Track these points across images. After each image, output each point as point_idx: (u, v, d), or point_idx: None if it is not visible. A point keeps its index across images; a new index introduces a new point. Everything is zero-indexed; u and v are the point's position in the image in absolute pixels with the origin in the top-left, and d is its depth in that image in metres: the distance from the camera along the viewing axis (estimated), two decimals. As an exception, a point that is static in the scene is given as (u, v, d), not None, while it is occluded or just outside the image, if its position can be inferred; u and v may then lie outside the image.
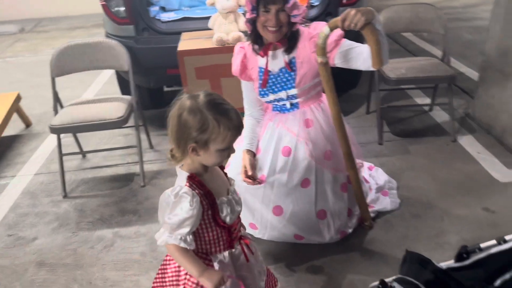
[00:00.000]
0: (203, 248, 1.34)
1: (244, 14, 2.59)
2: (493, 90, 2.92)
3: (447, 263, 1.45)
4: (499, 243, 1.32)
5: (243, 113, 2.39)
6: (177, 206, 1.20)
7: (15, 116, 3.49)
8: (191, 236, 1.24)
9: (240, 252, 1.41)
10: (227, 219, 1.31)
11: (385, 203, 2.30)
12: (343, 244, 2.09)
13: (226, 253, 1.36)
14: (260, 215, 2.07)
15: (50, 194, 2.69)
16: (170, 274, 1.39)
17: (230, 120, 1.19)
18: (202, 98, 1.21)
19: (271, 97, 2.01)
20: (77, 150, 3.01)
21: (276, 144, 2.00)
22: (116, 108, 2.60)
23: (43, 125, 3.58)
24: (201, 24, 2.91)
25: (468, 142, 2.89)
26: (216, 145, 1.20)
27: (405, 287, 1.34)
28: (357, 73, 3.47)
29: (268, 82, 1.98)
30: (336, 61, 1.87)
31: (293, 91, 1.96)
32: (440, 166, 2.64)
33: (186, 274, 1.34)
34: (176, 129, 1.20)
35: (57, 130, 2.54)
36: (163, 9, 3.18)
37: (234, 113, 1.22)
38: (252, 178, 1.95)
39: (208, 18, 2.88)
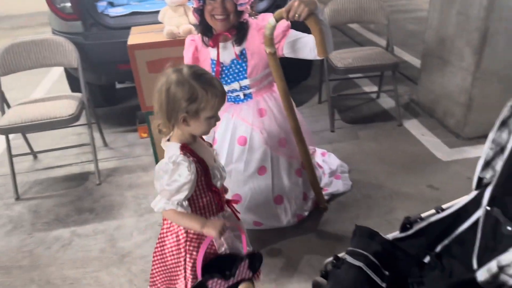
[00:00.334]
0: (198, 214, 1.40)
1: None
2: (434, 76, 3.11)
3: (393, 234, 1.57)
4: (437, 212, 1.45)
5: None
6: (176, 172, 1.26)
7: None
8: (186, 202, 1.32)
9: (231, 214, 1.52)
10: (218, 184, 1.41)
11: (338, 185, 2.41)
12: (300, 227, 2.17)
13: (220, 215, 1.45)
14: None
15: (2, 197, 2.60)
16: (169, 245, 1.44)
17: (215, 87, 1.28)
18: (186, 71, 1.28)
19: (225, 88, 2.05)
20: (28, 151, 2.92)
21: (232, 134, 2.05)
22: (67, 105, 2.55)
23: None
24: (150, 18, 2.91)
25: (413, 126, 3.07)
26: (205, 113, 1.28)
27: (356, 259, 1.43)
28: (308, 65, 3.59)
29: (220, 73, 2.02)
30: (285, 51, 1.94)
31: (245, 82, 2.02)
32: (388, 149, 2.80)
33: (186, 241, 1.40)
34: (165, 102, 1.25)
35: (5, 131, 2.46)
36: (111, 4, 3.13)
37: (217, 81, 1.32)
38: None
39: (157, 12, 2.86)
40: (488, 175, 1.31)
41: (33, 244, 2.21)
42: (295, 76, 3.57)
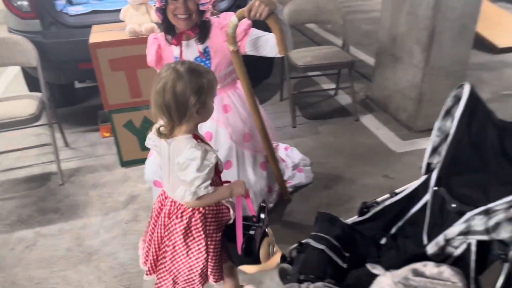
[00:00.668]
0: None
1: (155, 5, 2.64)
2: (387, 73, 3.28)
3: (352, 219, 1.68)
4: (391, 196, 1.57)
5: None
6: (204, 156, 1.30)
7: None
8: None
9: None
10: (221, 167, 1.48)
11: (301, 178, 2.51)
12: (265, 218, 2.25)
13: None
14: (186, 199, 2.16)
15: (-42, 200, 2.53)
16: (194, 232, 1.45)
17: (209, 72, 1.34)
18: (181, 67, 1.29)
19: (188, 85, 2.09)
20: (-16, 153, 2.84)
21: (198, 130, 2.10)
22: (27, 105, 2.51)
23: None
24: (111, 17, 2.90)
25: (368, 120, 3.23)
26: (211, 99, 1.34)
27: (319, 242, 1.53)
28: (270, 64, 3.69)
29: (184, 71, 2.07)
30: (247, 49, 2.01)
31: (209, 79, 2.07)
32: (346, 143, 2.94)
33: (205, 225, 1.44)
34: (174, 101, 1.26)
35: (-39, 132, 2.39)
36: (70, 2, 3.09)
37: (207, 68, 1.37)
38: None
39: (118, 10, 2.86)
40: (435, 160, 1.44)
41: (-5, 246, 2.17)
42: (258, 74, 3.65)
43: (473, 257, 1.05)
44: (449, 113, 1.35)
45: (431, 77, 2.89)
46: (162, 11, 1.91)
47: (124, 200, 2.48)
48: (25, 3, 2.70)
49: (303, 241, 1.64)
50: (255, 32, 2.00)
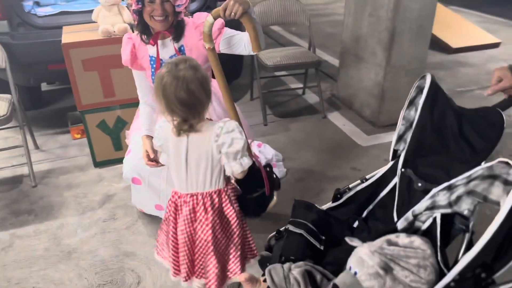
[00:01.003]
0: None
1: (127, 7, 2.67)
2: (351, 72, 3.45)
3: (326, 205, 1.79)
4: (362, 182, 1.69)
5: (137, 103, 2.48)
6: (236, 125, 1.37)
7: None
8: None
9: None
10: None
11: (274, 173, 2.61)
12: (242, 211, 2.33)
13: None
14: (166, 196, 2.18)
15: None
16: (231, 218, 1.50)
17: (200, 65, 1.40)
18: (190, 62, 1.34)
19: (165, 83, 2.15)
20: (-50, 157, 2.77)
21: (174, 127, 2.15)
22: (-3, 107, 2.48)
23: None
24: (80, 18, 2.91)
25: (335, 117, 3.38)
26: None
27: (297, 227, 1.62)
28: (239, 65, 3.77)
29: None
30: (221, 47, 2.09)
31: (185, 77, 2.13)
32: (315, 139, 3.07)
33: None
34: (204, 96, 1.33)
35: None
36: (37, 3, 3.06)
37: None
38: (155, 161, 2.07)
39: (87, 12, 2.89)
40: (401, 147, 1.57)
41: (-31, 249, 2.14)
42: (228, 75, 3.70)
43: (438, 229, 1.17)
44: (412, 103, 1.49)
45: (392, 75, 3.07)
46: (138, 13, 1.95)
47: (100, 200, 2.49)
48: (-8, 3, 2.66)
49: (281, 228, 1.74)
50: (228, 31, 2.08)
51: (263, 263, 1.79)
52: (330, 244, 1.60)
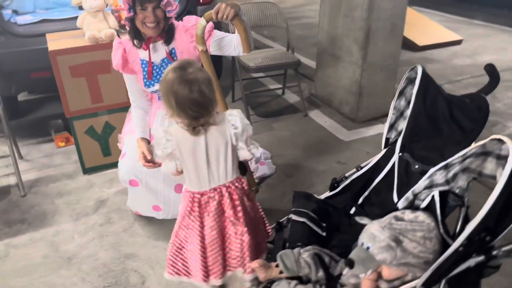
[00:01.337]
0: None
1: (112, 12, 2.70)
2: (328, 71, 3.58)
3: (324, 195, 1.88)
4: (357, 170, 1.79)
5: (128, 107, 2.50)
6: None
7: None
8: None
9: None
10: None
11: (264, 170, 2.69)
12: (237, 208, 2.40)
13: None
14: (163, 196, 2.23)
15: None
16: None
17: None
18: (193, 68, 1.38)
19: (157, 86, 2.18)
20: None
21: (168, 128, 2.19)
22: (-17, 116, 2.44)
23: None
24: (61, 25, 2.90)
25: (316, 115, 3.50)
26: None
27: (299, 216, 1.70)
28: (218, 66, 3.84)
29: (152, 73, 2.16)
30: (212, 49, 2.16)
31: (177, 79, 2.18)
32: (299, 136, 3.17)
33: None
34: (213, 95, 1.40)
35: None
36: (16, 12, 3.02)
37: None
38: (152, 162, 2.11)
39: (68, 19, 2.90)
40: (392, 135, 1.69)
41: (-36, 262, 2.10)
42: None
43: (438, 205, 1.29)
44: (402, 93, 1.61)
45: (369, 72, 3.22)
46: (131, 20, 1.99)
47: (93, 205, 2.50)
48: (-29, 13, 2.62)
49: (281, 220, 1.82)
50: (218, 33, 2.16)
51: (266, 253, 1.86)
52: (330, 231, 1.70)
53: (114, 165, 2.79)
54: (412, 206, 1.38)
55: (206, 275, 1.54)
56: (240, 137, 1.45)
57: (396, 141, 1.66)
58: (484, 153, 1.17)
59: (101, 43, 2.49)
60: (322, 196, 1.86)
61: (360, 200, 1.81)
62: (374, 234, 1.21)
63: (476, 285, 1.22)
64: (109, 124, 2.70)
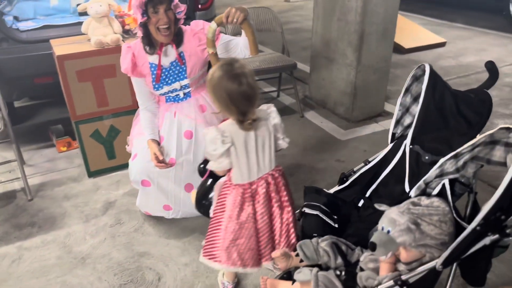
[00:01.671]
0: None
1: (116, 16, 2.75)
2: (322, 73, 3.70)
3: (333, 189, 1.97)
4: (365, 164, 1.89)
5: (135, 110, 2.56)
6: None
7: None
8: None
9: None
10: None
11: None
12: (244, 206, 2.47)
13: None
14: (174, 196, 2.29)
15: None
16: None
17: None
18: (238, 64, 1.48)
19: (165, 89, 2.25)
20: None
21: (178, 130, 2.25)
22: (-10, 122, 2.46)
23: None
24: (63, 31, 2.94)
25: (312, 116, 3.61)
26: None
27: (312, 209, 1.79)
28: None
29: (161, 75, 2.22)
30: (219, 52, 2.22)
31: (185, 81, 2.25)
32: (298, 136, 3.27)
33: None
34: (255, 88, 1.49)
35: None
36: (16, 18, 3.04)
37: None
38: (163, 162, 2.17)
39: (69, 25, 2.93)
40: (398, 130, 1.79)
41: (-23, 265, 2.11)
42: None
43: (448, 192, 1.39)
44: (408, 90, 1.71)
45: (362, 74, 3.34)
46: (144, 25, 2.05)
47: (102, 207, 2.53)
48: (-26, 19, 2.64)
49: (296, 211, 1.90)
50: (225, 37, 2.24)
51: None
52: (341, 223, 1.79)
53: (119, 168, 2.85)
54: (424, 194, 1.47)
55: (259, 260, 1.65)
56: (279, 128, 1.58)
57: (402, 135, 1.77)
58: (492, 142, 1.27)
59: (107, 48, 2.54)
60: (332, 190, 1.95)
61: (368, 193, 1.91)
62: (394, 218, 1.31)
63: (487, 265, 1.32)
64: (114, 128, 2.74)
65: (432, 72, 1.53)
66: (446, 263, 1.22)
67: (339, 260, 1.51)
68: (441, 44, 5.28)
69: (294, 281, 1.52)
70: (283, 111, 3.72)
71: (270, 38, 3.69)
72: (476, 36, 5.74)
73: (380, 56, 3.34)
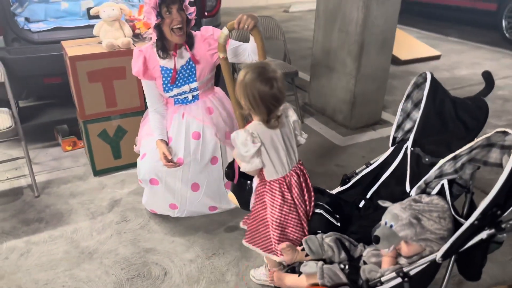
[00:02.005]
0: None
1: (126, 21, 2.84)
2: (322, 81, 3.80)
3: (336, 189, 2.05)
4: (367, 166, 1.98)
5: (142, 111, 2.64)
6: None
7: None
8: None
9: None
10: None
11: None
12: (247, 206, 2.54)
13: None
14: (180, 194, 2.36)
15: None
16: None
17: None
18: (271, 67, 1.61)
19: (175, 91, 2.33)
20: None
21: (186, 131, 2.32)
22: (1, 119, 2.52)
23: None
24: (74, 33, 3.02)
25: (311, 122, 3.71)
26: None
27: (316, 207, 1.86)
28: (218, 74, 4.00)
29: (176, 78, 2.30)
30: (229, 57, 2.32)
31: (194, 84, 2.34)
32: (298, 142, 3.36)
33: None
34: (283, 91, 1.61)
35: None
36: (27, 19, 3.12)
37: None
38: (172, 161, 2.24)
39: (80, 27, 3.02)
40: (399, 134, 1.89)
41: (-13, 257, 2.16)
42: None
43: (447, 191, 1.48)
44: (409, 97, 1.81)
45: (361, 83, 3.45)
46: (158, 27, 2.14)
47: (108, 205, 2.59)
48: (-12, 19, 2.71)
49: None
50: (233, 42, 2.33)
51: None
52: (343, 222, 1.87)
53: (124, 167, 2.92)
54: (424, 193, 1.57)
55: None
56: (297, 125, 1.69)
57: (402, 139, 1.87)
58: (489, 145, 1.37)
59: (118, 50, 2.62)
60: (334, 191, 2.03)
61: (369, 194, 2.00)
62: (397, 214, 1.40)
63: (483, 260, 1.41)
64: (121, 128, 2.82)
65: (433, 79, 1.64)
66: (446, 255, 1.31)
67: (343, 254, 1.60)
68: (436, 57, 5.43)
69: (300, 273, 1.59)
70: (284, 117, 3.81)
71: (271, 46, 3.78)
72: (469, 50, 5.91)
73: (378, 66, 3.46)
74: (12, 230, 2.36)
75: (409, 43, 5.47)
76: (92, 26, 2.79)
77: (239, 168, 1.83)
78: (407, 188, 1.69)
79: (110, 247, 2.25)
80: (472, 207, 1.50)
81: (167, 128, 2.36)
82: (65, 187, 2.77)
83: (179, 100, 2.38)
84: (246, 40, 2.39)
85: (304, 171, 1.78)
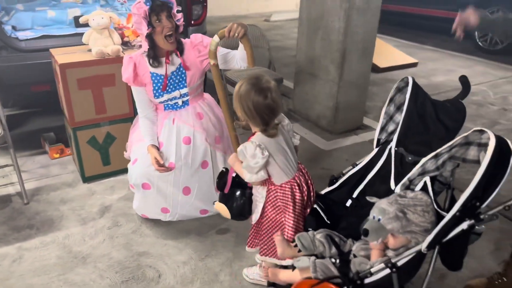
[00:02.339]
0: None
1: (115, 29, 2.89)
2: (306, 88, 3.91)
3: (324, 190, 2.14)
4: (353, 167, 2.07)
5: (132, 118, 2.68)
6: None
7: None
8: None
9: None
10: None
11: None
12: (237, 209, 2.60)
13: None
14: (172, 198, 2.41)
15: None
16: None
17: None
18: (266, 78, 1.67)
19: (165, 97, 2.38)
20: None
21: (177, 136, 2.38)
22: (-10, 126, 2.52)
23: None
24: (61, 41, 3.05)
25: (296, 128, 3.80)
26: None
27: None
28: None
29: (167, 85, 2.36)
30: (218, 63, 2.40)
31: (184, 90, 2.40)
32: (284, 146, 3.44)
33: None
34: (279, 102, 1.67)
35: None
36: (14, 28, 3.13)
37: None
38: (163, 166, 2.29)
39: (67, 35, 3.05)
40: (383, 136, 1.99)
41: (-21, 264, 2.16)
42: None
43: (430, 187, 1.58)
44: (392, 100, 1.92)
45: (344, 89, 3.58)
46: (149, 37, 2.20)
47: (98, 211, 2.62)
48: (-24, 27, 2.72)
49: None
50: (222, 49, 2.41)
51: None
52: (332, 220, 1.96)
53: (113, 174, 2.95)
54: (408, 190, 1.66)
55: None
56: (291, 129, 1.78)
57: (386, 141, 1.97)
58: (467, 143, 1.48)
59: (107, 58, 2.67)
60: (323, 192, 2.12)
61: (356, 193, 2.09)
62: (384, 208, 1.49)
63: (464, 250, 1.51)
64: (110, 135, 2.85)
65: (415, 83, 1.75)
66: (430, 245, 1.40)
67: (333, 249, 1.68)
68: (413, 65, 5.63)
69: (294, 268, 1.66)
70: (269, 123, 3.90)
71: (255, 54, 3.85)
72: (445, 58, 6.14)
73: (360, 73, 3.59)
74: (3, 237, 2.36)
75: (388, 52, 5.66)
76: (79, 34, 2.83)
77: (232, 178, 1.89)
78: (392, 186, 1.78)
79: (103, 251, 2.28)
80: (453, 202, 1.60)
81: (157, 133, 2.41)
82: (54, 194, 2.78)
83: (169, 105, 2.43)
84: (233, 47, 2.48)
85: (305, 169, 1.89)
